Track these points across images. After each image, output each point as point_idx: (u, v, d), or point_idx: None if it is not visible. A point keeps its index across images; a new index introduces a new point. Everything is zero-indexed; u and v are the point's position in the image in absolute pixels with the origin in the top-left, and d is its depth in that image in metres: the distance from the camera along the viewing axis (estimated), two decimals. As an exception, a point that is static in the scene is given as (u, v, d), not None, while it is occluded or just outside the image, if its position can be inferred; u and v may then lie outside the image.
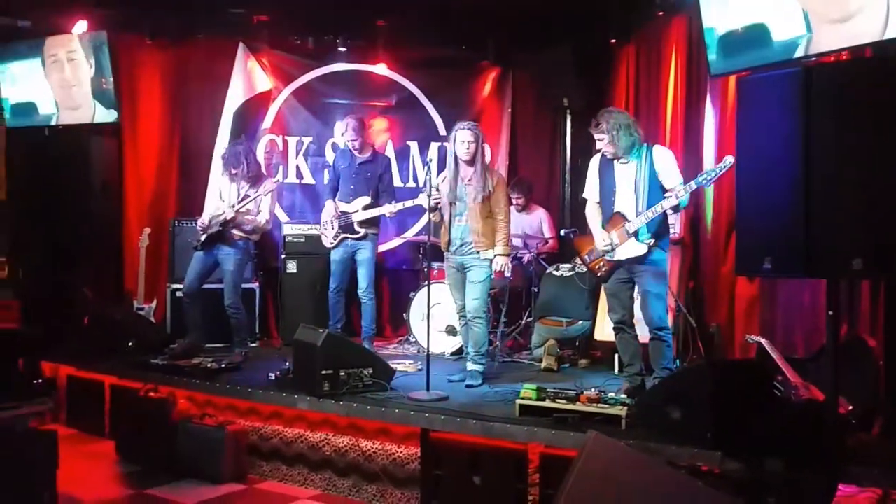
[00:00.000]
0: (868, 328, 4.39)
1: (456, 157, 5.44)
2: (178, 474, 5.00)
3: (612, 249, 4.86)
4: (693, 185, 4.61)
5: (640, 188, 4.79)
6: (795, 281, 4.94)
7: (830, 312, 3.60)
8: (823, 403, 3.79)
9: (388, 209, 6.28)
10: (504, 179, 5.73)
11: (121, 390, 5.76)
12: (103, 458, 5.43)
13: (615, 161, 4.90)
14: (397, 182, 7.66)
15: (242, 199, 6.04)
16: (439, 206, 5.57)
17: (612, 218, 4.89)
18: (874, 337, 4.27)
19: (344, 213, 6.34)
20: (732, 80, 5.33)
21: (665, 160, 4.81)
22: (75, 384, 6.18)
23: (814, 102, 3.43)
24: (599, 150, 5.00)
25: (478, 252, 5.43)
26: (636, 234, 4.76)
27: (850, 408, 3.93)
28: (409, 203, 6.22)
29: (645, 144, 4.86)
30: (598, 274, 5.06)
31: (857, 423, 3.96)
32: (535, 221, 7.40)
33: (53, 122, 7.29)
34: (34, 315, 6.80)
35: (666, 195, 4.70)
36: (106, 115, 7.13)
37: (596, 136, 4.89)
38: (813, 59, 4.44)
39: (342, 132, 6.45)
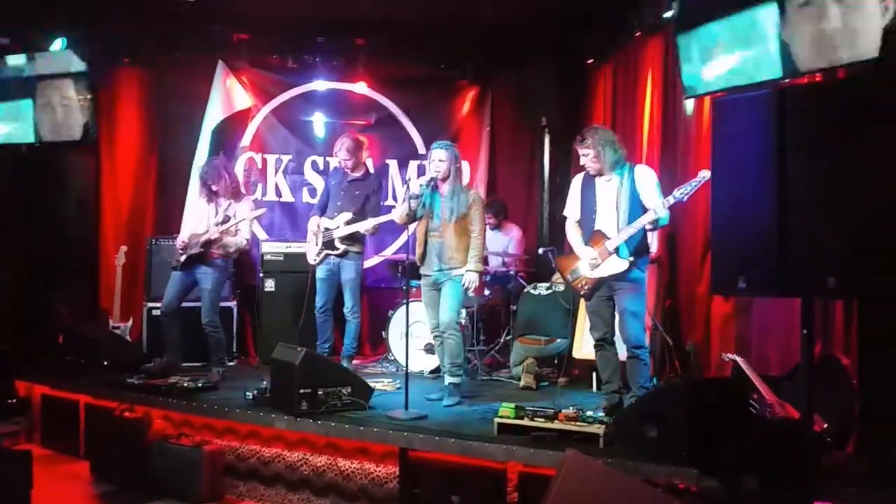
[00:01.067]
0: (842, 347, 4.44)
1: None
2: (154, 495, 4.95)
3: (595, 267, 4.89)
4: (670, 199, 4.65)
5: (621, 206, 4.83)
6: (770, 299, 4.99)
7: (804, 331, 3.63)
8: (798, 421, 3.82)
9: (364, 225, 6.26)
10: (481, 198, 5.73)
11: (96, 410, 5.70)
12: (78, 478, 5.37)
13: (597, 179, 4.95)
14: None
15: (225, 220, 6.01)
16: (420, 195, 5.52)
17: (593, 236, 4.93)
18: (848, 355, 4.31)
19: (327, 229, 6.33)
20: (707, 99, 5.39)
21: (646, 179, 4.86)
22: (50, 403, 6.11)
23: (788, 123, 3.47)
24: (582, 170, 5.04)
25: (451, 269, 5.45)
26: (617, 251, 4.80)
27: (825, 426, 3.96)
28: (383, 218, 6.22)
29: (627, 163, 4.91)
30: (581, 292, 5.08)
31: (831, 440, 3.99)
32: (508, 240, 7.43)
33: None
34: (8, 333, 6.72)
35: (647, 211, 4.75)
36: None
37: (581, 152, 4.93)
38: (787, 80, 4.50)
39: (336, 151, 6.43)
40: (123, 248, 7.24)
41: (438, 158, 5.43)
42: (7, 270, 7.02)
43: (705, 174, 4.46)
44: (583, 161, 4.96)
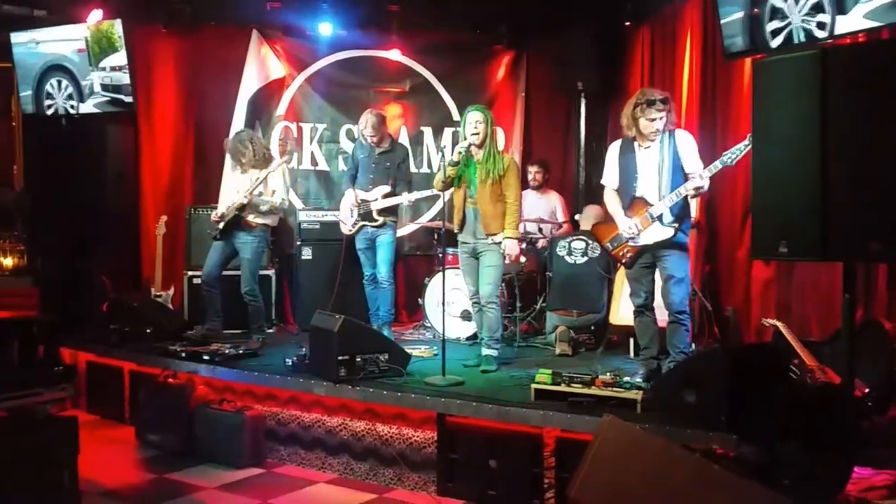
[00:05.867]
0: (884, 311, 4.39)
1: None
2: (197, 459, 5.07)
3: (637, 235, 4.84)
4: (718, 164, 4.54)
5: (663, 172, 4.74)
6: (811, 264, 4.93)
7: (846, 295, 3.59)
8: (839, 386, 3.79)
9: (406, 198, 6.28)
10: (516, 164, 5.65)
11: (140, 376, 5.82)
12: (123, 443, 5.50)
13: (636, 146, 4.86)
14: (412, 169, 7.66)
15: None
16: (459, 162, 5.45)
17: (633, 203, 4.85)
18: (890, 320, 4.25)
19: (364, 201, 6.34)
20: (748, 61, 5.30)
21: (688, 144, 4.77)
22: (95, 370, 6.25)
23: (830, 84, 3.40)
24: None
25: (488, 236, 5.43)
26: (660, 219, 4.73)
27: (866, 391, 3.92)
28: (427, 193, 6.21)
29: (667, 129, 4.82)
30: (623, 260, 5.02)
31: (872, 405, 3.94)
32: (550, 205, 7.40)
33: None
34: (53, 302, 6.87)
35: (689, 177, 4.67)
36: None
37: (658, 116, 4.73)
38: (829, 40, 4.40)
39: (362, 128, 6.40)
40: (164, 218, 7.34)
41: (476, 121, 5.38)
42: (50, 241, 7.17)
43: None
44: (656, 125, 4.72)
